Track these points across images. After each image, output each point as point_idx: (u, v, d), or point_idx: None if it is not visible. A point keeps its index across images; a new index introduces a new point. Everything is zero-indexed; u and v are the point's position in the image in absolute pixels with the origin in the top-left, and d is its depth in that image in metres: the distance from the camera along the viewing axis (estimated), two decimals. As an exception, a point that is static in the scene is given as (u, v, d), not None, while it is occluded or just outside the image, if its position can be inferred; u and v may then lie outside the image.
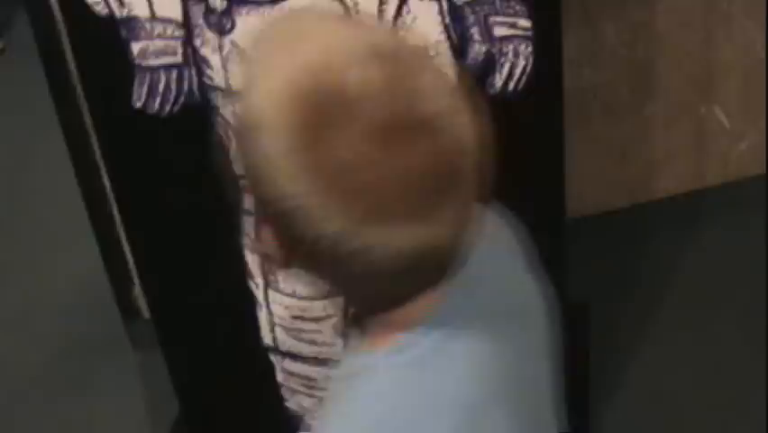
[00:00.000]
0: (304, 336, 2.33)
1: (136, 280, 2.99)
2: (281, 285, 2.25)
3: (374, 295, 1.26)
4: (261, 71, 1.15)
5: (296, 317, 2.30)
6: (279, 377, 2.44)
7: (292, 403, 2.48)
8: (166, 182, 2.23)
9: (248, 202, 2.01)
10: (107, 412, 3.17)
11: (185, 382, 2.56)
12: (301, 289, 2.22)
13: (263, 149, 1.12)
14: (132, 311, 3.26)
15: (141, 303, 3.14)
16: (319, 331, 2.31)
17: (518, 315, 1.42)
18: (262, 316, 2.33)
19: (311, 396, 2.44)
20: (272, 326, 2.33)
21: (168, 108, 2.08)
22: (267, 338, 2.37)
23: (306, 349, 2.34)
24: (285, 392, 2.46)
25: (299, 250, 1.18)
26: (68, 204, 3.15)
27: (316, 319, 2.30)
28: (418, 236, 1.14)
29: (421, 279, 1.22)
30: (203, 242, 2.29)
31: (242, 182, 1.76)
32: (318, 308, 2.27)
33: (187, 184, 2.20)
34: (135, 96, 2.08)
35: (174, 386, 2.58)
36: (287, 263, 1.25)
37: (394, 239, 1.13)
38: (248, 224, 2.18)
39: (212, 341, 2.44)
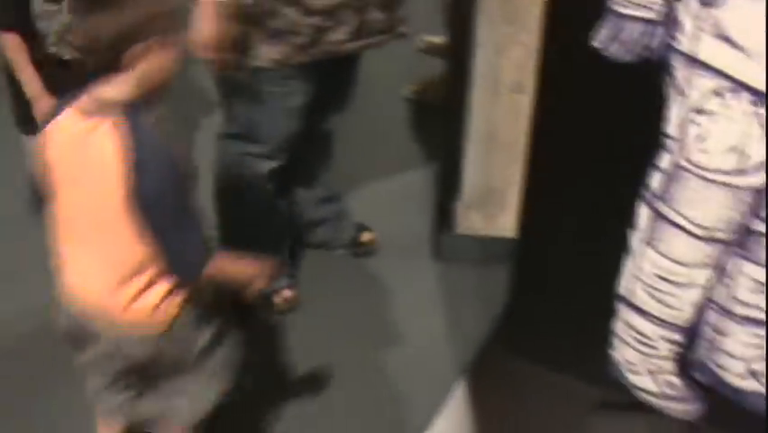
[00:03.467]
0: (659, 295, 2.36)
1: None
2: (660, 244, 2.29)
3: None
4: None
5: (660, 277, 2.33)
6: (617, 326, 2.47)
7: (616, 353, 2.53)
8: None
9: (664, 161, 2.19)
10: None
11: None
12: (676, 252, 2.27)
13: None
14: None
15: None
16: (675, 296, 2.35)
17: None
18: (629, 266, 2.37)
19: (637, 352, 2.47)
20: (633, 277, 2.37)
21: (622, 57, 2.18)
22: (622, 287, 2.41)
23: (655, 307, 2.37)
24: (615, 340, 2.50)
25: None
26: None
27: (679, 285, 2.33)
28: None
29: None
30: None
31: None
32: (684, 274, 2.31)
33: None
34: (597, 37, 2.19)
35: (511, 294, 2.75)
36: None
37: None
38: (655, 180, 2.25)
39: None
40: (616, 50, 2.16)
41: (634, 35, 2.14)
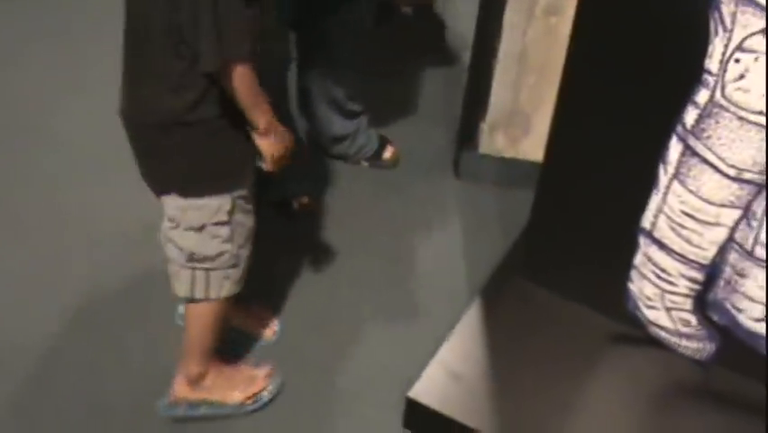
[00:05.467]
0: (684, 232, 2.33)
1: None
2: (689, 181, 2.26)
3: None
4: None
5: (686, 214, 2.30)
6: (637, 259, 2.47)
7: (634, 287, 2.54)
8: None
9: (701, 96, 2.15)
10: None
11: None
12: (705, 190, 2.24)
13: None
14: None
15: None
16: (700, 234, 2.32)
17: None
18: (655, 200, 2.35)
19: (656, 287, 2.46)
20: (658, 212, 2.35)
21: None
22: (646, 221, 2.39)
23: (678, 244, 2.35)
24: (634, 274, 2.50)
25: None
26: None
27: (704, 223, 2.30)
28: None
29: None
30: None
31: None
32: (711, 212, 2.28)
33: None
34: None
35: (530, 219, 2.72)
36: None
37: None
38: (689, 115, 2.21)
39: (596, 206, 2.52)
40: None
41: None
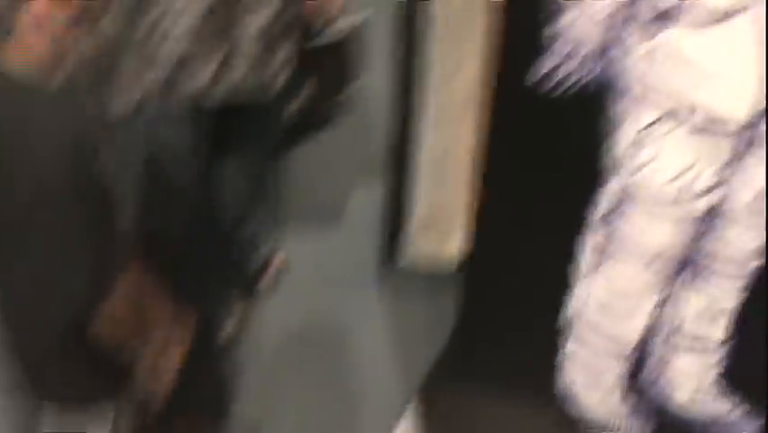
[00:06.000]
0: (606, 321, 2.38)
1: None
2: (607, 269, 2.31)
3: None
4: None
5: (606, 304, 2.36)
6: (566, 351, 2.51)
7: (566, 377, 2.54)
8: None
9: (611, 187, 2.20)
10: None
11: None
12: (622, 280, 2.29)
13: None
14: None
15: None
16: (622, 322, 2.37)
17: None
18: (578, 291, 2.40)
19: (586, 376, 2.49)
20: (583, 302, 2.39)
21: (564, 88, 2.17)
22: (570, 314, 2.44)
23: (602, 333, 2.39)
24: (565, 364, 2.53)
25: None
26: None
27: (625, 311, 2.35)
28: None
29: None
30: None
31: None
32: (630, 301, 2.33)
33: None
34: (536, 71, 2.18)
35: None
36: None
37: None
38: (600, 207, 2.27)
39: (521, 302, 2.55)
40: (557, 82, 2.17)
41: (575, 68, 2.15)
